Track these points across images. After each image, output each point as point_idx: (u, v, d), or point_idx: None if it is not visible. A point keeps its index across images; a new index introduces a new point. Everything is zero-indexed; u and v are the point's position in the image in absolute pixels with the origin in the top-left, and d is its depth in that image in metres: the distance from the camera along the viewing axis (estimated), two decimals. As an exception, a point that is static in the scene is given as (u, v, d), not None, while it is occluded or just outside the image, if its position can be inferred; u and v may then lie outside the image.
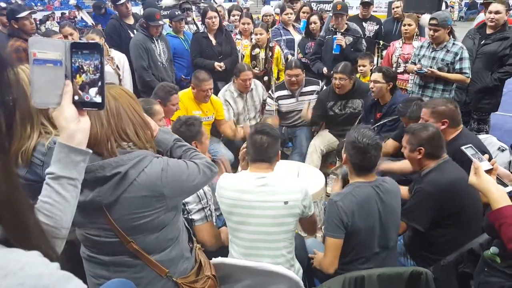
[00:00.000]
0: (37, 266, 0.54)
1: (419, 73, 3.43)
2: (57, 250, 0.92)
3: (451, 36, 3.36)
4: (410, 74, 3.70)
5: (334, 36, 3.99)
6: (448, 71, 3.33)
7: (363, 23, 4.74)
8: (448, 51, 3.32)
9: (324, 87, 3.75)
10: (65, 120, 0.87)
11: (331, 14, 4.19)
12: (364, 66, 3.86)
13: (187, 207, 1.88)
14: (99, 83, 0.87)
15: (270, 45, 4.10)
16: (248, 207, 1.72)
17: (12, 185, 0.58)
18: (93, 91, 0.87)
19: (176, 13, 4.16)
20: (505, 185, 1.42)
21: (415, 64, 3.53)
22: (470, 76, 3.34)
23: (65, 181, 0.92)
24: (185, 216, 1.86)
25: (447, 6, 15.57)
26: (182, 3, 4.96)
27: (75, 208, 0.96)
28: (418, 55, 3.54)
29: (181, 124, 2.14)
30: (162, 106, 2.79)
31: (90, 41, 0.87)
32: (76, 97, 0.86)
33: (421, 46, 3.57)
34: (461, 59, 3.28)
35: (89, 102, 0.87)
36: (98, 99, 0.87)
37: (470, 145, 1.55)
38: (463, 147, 1.54)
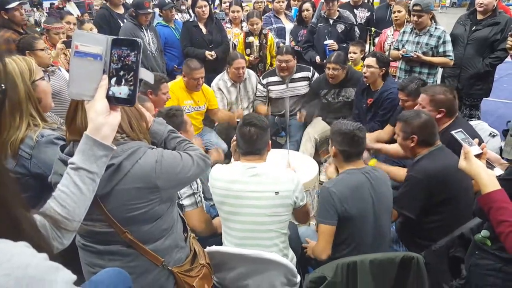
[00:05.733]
0: (24, 257, 0.54)
1: (405, 57, 3.50)
2: (64, 242, 0.92)
3: (432, 21, 3.46)
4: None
5: (326, 42, 3.99)
6: (433, 55, 3.44)
7: (355, 10, 4.71)
8: (431, 35, 3.43)
9: (316, 75, 3.74)
10: (95, 113, 0.88)
11: (322, 1, 4.16)
12: (354, 53, 3.85)
13: (178, 192, 1.89)
14: (133, 80, 0.87)
15: (264, 32, 4.08)
16: (240, 197, 1.73)
17: (1, 181, 0.58)
18: (125, 87, 0.87)
19: (166, 1, 4.11)
20: (493, 167, 1.43)
21: (398, 49, 3.61)
22: (454, 59, 3.45)
23: (84, 174, 0.92)
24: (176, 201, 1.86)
25: (439, -8, 15.51)
26: None
27: (90, 202, 0.96)
28: (402, 40, 3.62)
29: (162, 117, 2.10)
30: (153, 96, 2.77)
31: (130, 37, 0.89)
32: (110, 92, 0.87)
33: (404, 32, 3.65)
34: (444, 42, 3.40)
35: (121, 98, 0.88)
36: (129, 96, 0.88)
37: (460, 129, 1.55)
38: (453, 132, 1.54)
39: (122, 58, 0.86)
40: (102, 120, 0.89)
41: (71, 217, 0.91)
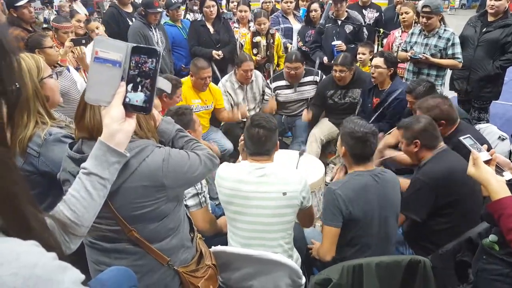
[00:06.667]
0: (32, 256, 0.54)
1: (413, 59, 3.48)
2: (72, 246, 0.92)
3: (441, 23, 3.44)
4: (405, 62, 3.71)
5: (334, 43, 3.97)
6: (441, 57, 3.41)
7: (363, 10, 4.68)
8: (440, 37, 3.41)
9: (323, 77, 3.73)
10: (110, 119, 0.88)
11: (331, 2, 4.14)
12: (363, 54, 3.83)
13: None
14: (150, 89, 0.87)
15: (271, 32, 4.07)
16: (247, 197, 1.72)
17: (11, 180, 0.58)
18: (141, 94, 0.87)
19: (173, 1, 4.12)
20: (502, 171, 1.40)
21: (406, 51, 3.58)
22: (462, 61, 3.42)
23: (96, 179, 0.93)
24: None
25: (449, -7, 15.37)
26: None
27: (99, 208, 0.96)
28: (410, 42, 3.60)
29: (171, 115, 2.12)
30: (168, 99, 2.78)
31: (149, 46, 0.89)
32: (127, 99, 0.88)
33: (412, 33, 3.62)
34: (453, 44, 3.38)
35: (137, 106, 0.88)
36: (145, 104, 0.88)
37: (469, 135, 1.53)
38: (461, 138, 1.52)
39: (139, 65, 0.86)
40: (117, 126, 0.89)
41: (80, 222, 0.92)
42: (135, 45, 0.87)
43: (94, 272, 1.32)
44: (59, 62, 2.80)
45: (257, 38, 4.01)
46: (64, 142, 1.43)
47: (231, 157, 3.43)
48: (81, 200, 0.92)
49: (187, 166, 1.28)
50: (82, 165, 0.93)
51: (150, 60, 0.86)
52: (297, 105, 3.77)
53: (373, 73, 3.11)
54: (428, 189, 1.91)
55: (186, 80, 3.29)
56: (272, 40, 4.08)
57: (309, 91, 3.70)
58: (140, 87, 0.87)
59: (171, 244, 1.32)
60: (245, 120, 3.42)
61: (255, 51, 4.05)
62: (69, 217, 0.90)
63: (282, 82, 3.67)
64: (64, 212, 0.90)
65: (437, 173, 1.91)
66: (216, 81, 3.63)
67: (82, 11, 6.24)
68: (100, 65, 0.86)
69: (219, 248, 1.67)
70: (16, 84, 0.59)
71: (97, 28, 3.69)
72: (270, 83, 3.71)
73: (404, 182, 2.12)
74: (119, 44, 0.87)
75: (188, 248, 1.41)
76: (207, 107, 3.36)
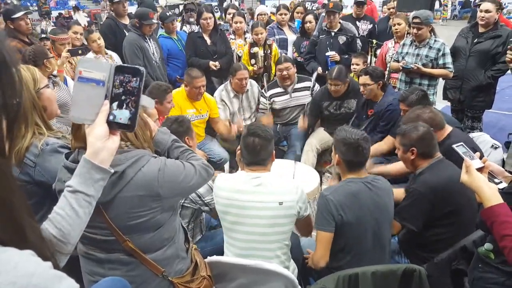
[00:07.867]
0: (29, 265, 0.55)
1: (405, 69, 3.54)
2: (59, 264, 0.90)
3: (432, 34, 3.52)
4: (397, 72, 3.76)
5: (327, 54, 4.03)
6: (432, 67, 3.49)
7: (357, 22, 4.76)
8: (431, 47, 3.48)
9: (318, 86, 3.77)
10: (94, 137, 0.90)
11: (323, 14, 4.20)
12: (357, 64, 3.88)
13: (204, 200, 1.97)
14: (134, 107, 0.89)
15: (268, 42, 4.13)
16: (243, 207, 1.72)
17: (9, 189, 0.58)
18: (126, 111, 0.89)
19: (167, 14, 4.15)
20: (495, 179, 1.42)
21: (398, 61, 3.65)
22: (453, 70, 3.49)
23: (81, 196, 0.93)
24: (207, 209, 2.01)
25: (440, 5, 15.63)
26: (187, 4, 4.96)
27: (85, 226, 0.96)
28: (401, 52, 3.67)
29: (171, 122, 2.18)
30: (159, 105, 2.80)
31: (134, 65, 0.92)
32: (111, 117, 0.89)
33: (404, 44, 3.69)
34: (443, 54, 3.45)
35: (121, 124, 0.90)
36: (130, 121, 0.90)
37: (461, 143, 1.55)
38: (454, 146, 1.54)
39: (123, 84, 0.89)
40: (101, 144, 0.90)
41: (66, 240, 0.92)
42: (118, 64, 0.90)
43: (89, 283, 1.31)
44: (53, 73, 2.81)
45: (255, 49, 4.06)
46: (61, 152, 1.43)
47: (230, 167, 3.44)
48: (66, 218, 0.92)
49: (183, 176, 1.29)
50: (67, 183, 0.94)
51: (134, 79, 0.88)
52: (292, 112, 3.79)
53: (363, 91, 3.15)
54: (425, 199, 1.92)
55: (181, 90, 3.32)
56: (269, 50, 4.13)
57: (304, 97, 3.74)
58: (125, 105, 0.89)
59: (166, 254, 1.32)
60: (241, 129, 3.44)
61: (253, 61, 4.10)
62: (55, 235, 0.91)
63: (277, 89, 3.71)
64: (49, 230, 0.91)
65: (434, 183, 1.91)
66: (213, 93, 3.65)
67: (82, 21, 6.25)
68: (83, 84, 0.88)
69: (215, 258, 1.66)
70: (17, 99, 0.59)
71: (99, 39, 3.71)
72: (265, 91, 3.74)
73: (398, 191, 2.14)
74: (103, 64, 0.89)
75: (183, 259, 1.40)
76: (202, 116, 3.37)
